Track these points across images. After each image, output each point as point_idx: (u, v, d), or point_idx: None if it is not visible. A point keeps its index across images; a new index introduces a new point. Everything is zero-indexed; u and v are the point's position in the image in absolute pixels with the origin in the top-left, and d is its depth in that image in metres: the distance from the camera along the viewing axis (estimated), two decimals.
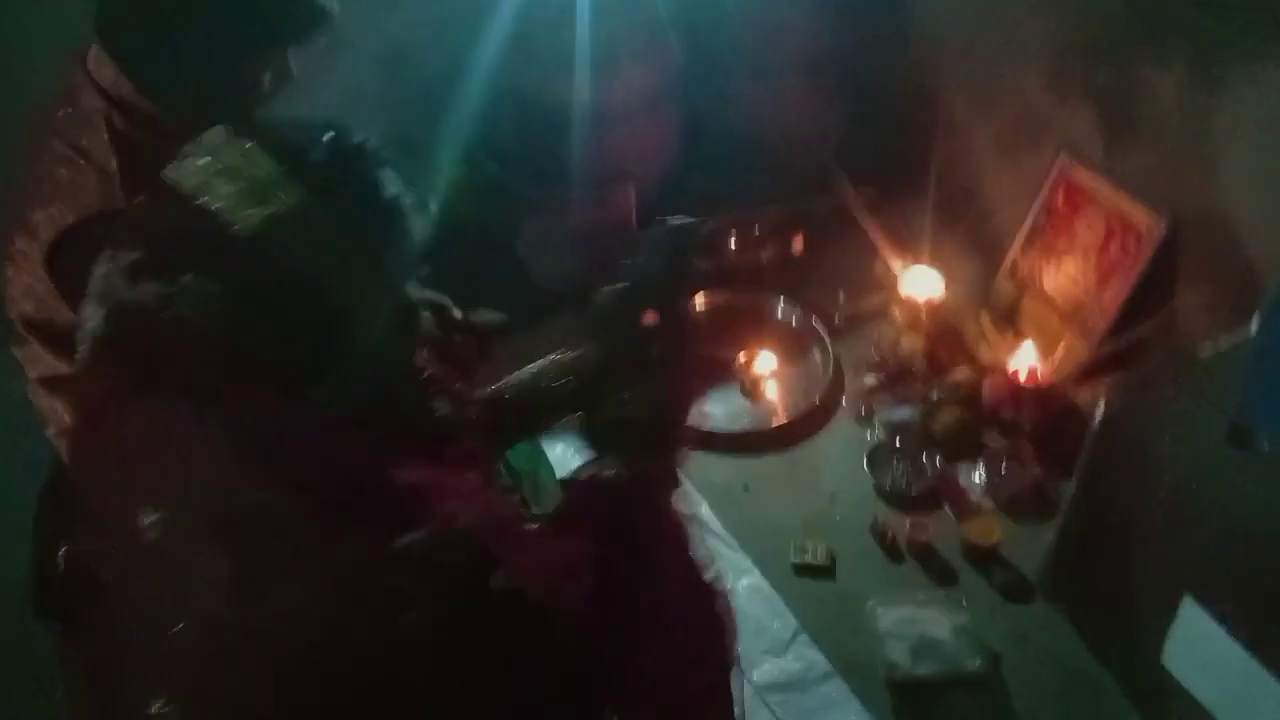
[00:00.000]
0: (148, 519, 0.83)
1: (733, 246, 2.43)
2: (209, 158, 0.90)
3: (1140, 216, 1.96)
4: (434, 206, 2.47)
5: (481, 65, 2.44)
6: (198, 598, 0.84)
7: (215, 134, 0.92)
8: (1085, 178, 2.07)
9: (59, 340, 1.45)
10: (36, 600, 1.62)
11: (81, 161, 1.37)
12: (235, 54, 1.42)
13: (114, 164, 1.37)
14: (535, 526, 1.02)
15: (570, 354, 1.35)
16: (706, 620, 1.10)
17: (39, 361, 1.48)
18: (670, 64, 2.44)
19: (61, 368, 1.48)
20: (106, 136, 1.38)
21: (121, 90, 1.40)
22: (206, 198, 0.88)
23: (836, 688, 1.70)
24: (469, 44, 2.41)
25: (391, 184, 0.96)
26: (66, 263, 1.37)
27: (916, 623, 1.73)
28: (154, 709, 0.84)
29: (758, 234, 2.44)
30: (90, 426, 0.93)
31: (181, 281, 0.84)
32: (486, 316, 1.86)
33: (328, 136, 0.93)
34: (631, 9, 2.29)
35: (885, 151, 2.56)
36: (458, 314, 1.71)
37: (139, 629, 0.89)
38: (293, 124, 0.97)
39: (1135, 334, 1.95)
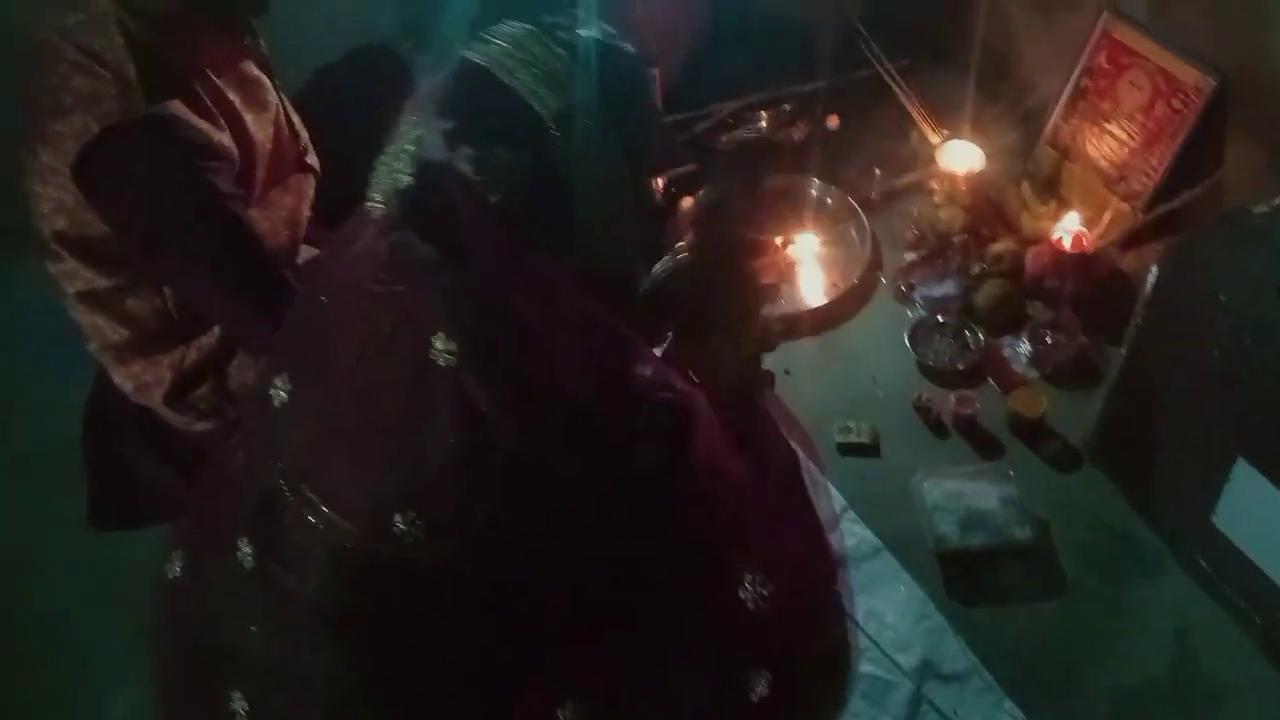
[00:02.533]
0: (440, 345, 0.96)
1: (763, 127, 2.37)
2: (509, 45, 1.03)
3: (1187, 75, 1.90)
4: (417, 92, 2.43)
5: None
6: (448, 430, 0.97)
7: (511, 25, 1.06)
8: (1129, 36, 1.99)
9: (95, 253, 1.45)
10: (95, 511, 1.67)
11: (98, 68, 1.34)
12: None
13: (131, 69, 1.34)
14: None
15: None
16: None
17: (76, 277, 1.48)
18: None
19: (99, 282, 1.48)
20: (120, 40, 1.35)
21: None
22: (511, 80, 1.00)
23: (886, 562, 1.72)
24: None
25: (653, 92, 1.07)
26: (96, 173, 1.36)
27: (964, 496, 1.74)
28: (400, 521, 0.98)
29: (788, 112, 2.38)
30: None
31: (496, 152, 0.98)
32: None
33: (608, 37, 1.08)
34: None
35: (917, 21, 2.47)
36: None
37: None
38: (577, 22, 1.08)
39: (1184, 198, 1.90)
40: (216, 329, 1.55)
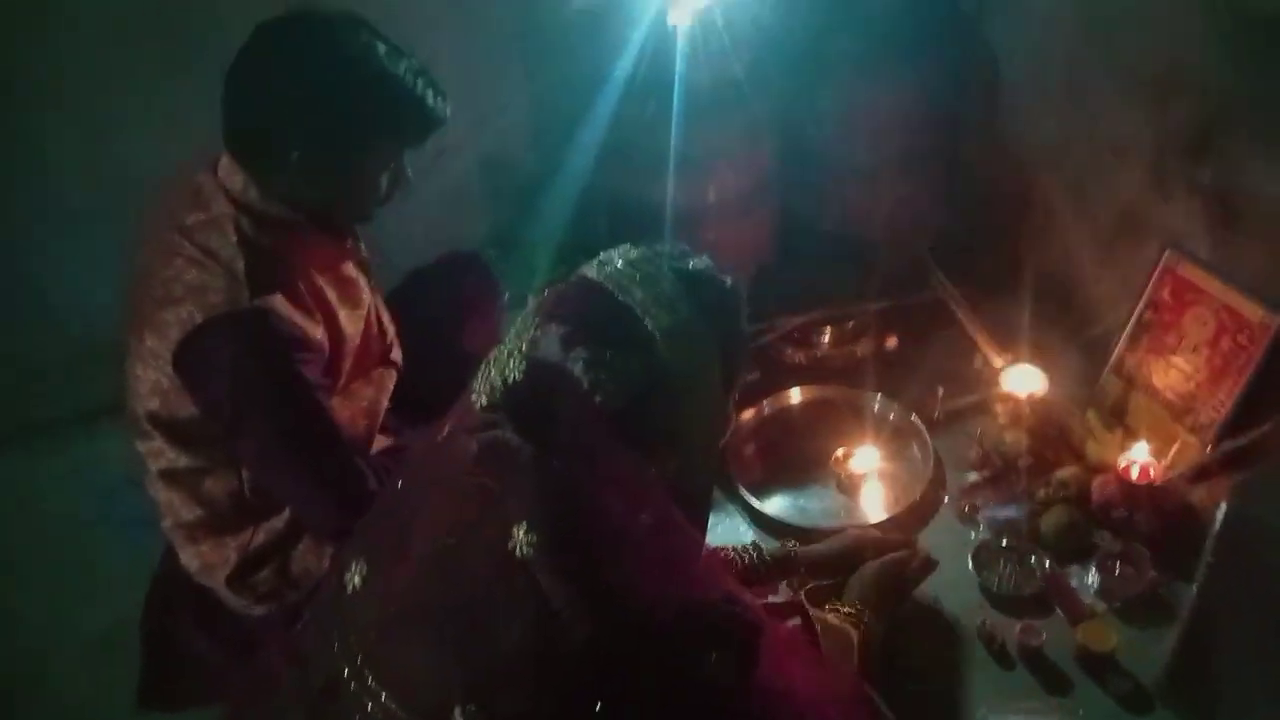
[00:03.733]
0: (521, 534, 1.00)
1: (827, 342, 2.43)
2: (625, 266, 1.13)
3: (1253, 313, 1.92)
4: (532, 302, 2.55)
5: (577, 168, 2.52)
6: (520, 624, 1.00)
7: (627, 250, 1.17)
8: (1193, 273, 2.03)
9: (182, 433, 1.52)
10: (144, 691, 1.67)
11: (210, 263, 1.45)
12: (354, 161, 1.50)
13: (241, 265, 1.44)
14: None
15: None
16: None
17: (161, 455, 1.55)
18: (766, 164, 2.49)
19: (182, 461, 1.54)
20: (235, 239, 1.46)
21: (250, 197, 1.48)
22: (626, 298, 1.10)
23: None
24: (566, 148, 2.51)
25: (746, 319, 1.23)
26: (193, 358, 1.44)
27: None
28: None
29: (852, 329, 2.44)
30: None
31: (607, 357, 1.05)
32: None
33: (709, 267, 1.19)
34: (729, 112, 2.35)
35: (982, 249, 2.56)
36: None
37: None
38: (686, 253, 1.20)
39: (1254, 432, 1.88)
40: (285, 513, 1.59)
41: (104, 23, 2.12)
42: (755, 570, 1.70)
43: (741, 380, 1.24)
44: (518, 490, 1.03)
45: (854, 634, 1.58)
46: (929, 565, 1.78)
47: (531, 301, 1.18)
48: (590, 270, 1.16)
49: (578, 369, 1.06)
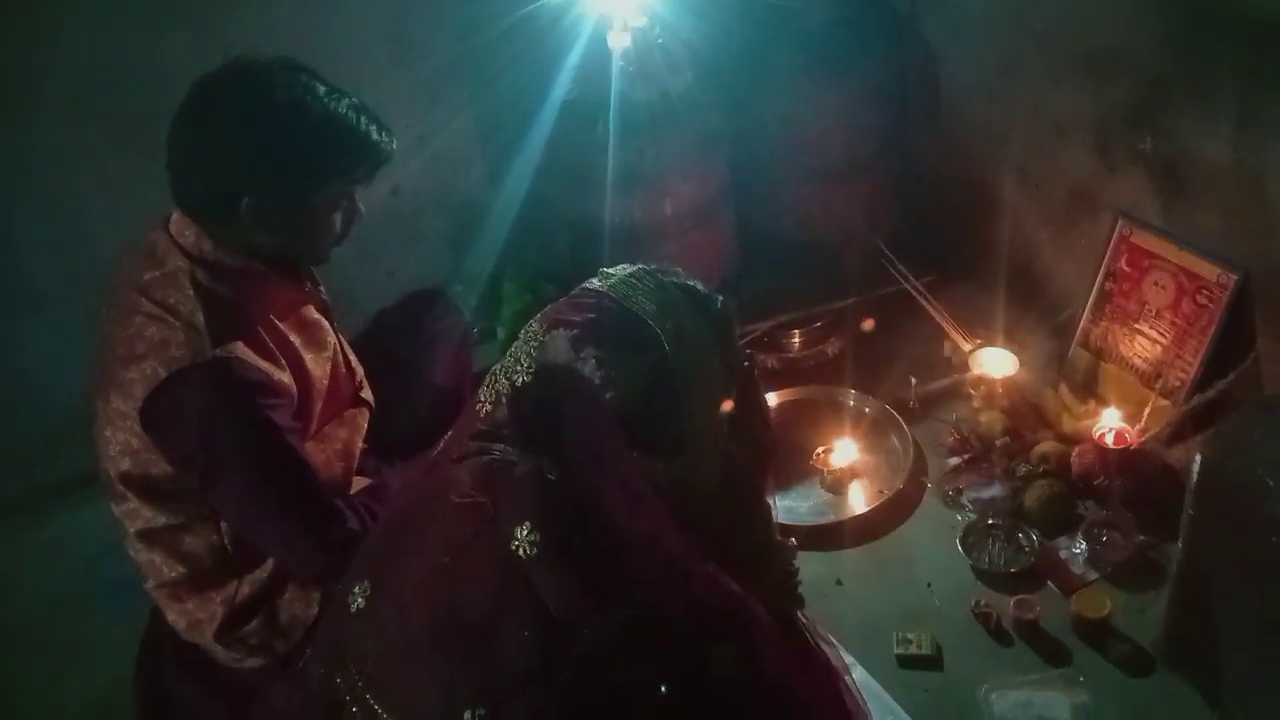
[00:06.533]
0: (523, 534, 1.01)
1: (797, 344, 2.45)
2: (625, 277, 1.18)
3: (1209, 271, 1.95)
4: (502, 333, 2.56)
5: (532, 195, 2.55)
6: (526, 625, 1.01)
7: (624, 266, 1.21)
8: (1147, 240, 2.07)
9: (156, 492, 1.51)
10: None
11: (169, 318, 1.43)
12: (306, 203, 1.50)
13: (200, 317, 1.44)
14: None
15: None
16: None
17: (137, 516, 1.53)
18: (719, 175, 2.52)
19: (159, 520, 1.53)
20: (192, 291, 1.45)
21: (203, 249, 1.48)
22: (631, 304, 1.14)
23: None
24: (519, 177, 2.53)
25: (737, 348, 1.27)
26: (160, 412, 1.43)
27: (1034, 706, 1.67)
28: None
29: (820, 329, 2.46)
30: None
31: (617, 356, 1.09)
32: None
33: (711, 293, 1.23)
34: (676, 128, 2.38)
35: (939, 240, 2.59)
36: None
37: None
38: (678, 271, 1.24)
39: (1221, 387, 1.91)
40: (269, 563, 1.58)
41: (60, 105, 2.14)
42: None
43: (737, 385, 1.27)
44: (515, 498, 1.05)
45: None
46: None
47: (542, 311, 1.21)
48: (593, 283, 1.19)
49: (588, 368, 1.08)
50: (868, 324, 2.43)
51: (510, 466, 1.08)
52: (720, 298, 1.25)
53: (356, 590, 1.12)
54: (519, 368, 1.12)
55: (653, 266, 1.23)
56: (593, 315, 1.14)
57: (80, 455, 1.62)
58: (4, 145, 2.11)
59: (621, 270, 1.20)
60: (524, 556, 1.00)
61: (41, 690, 2.01)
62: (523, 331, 1.17)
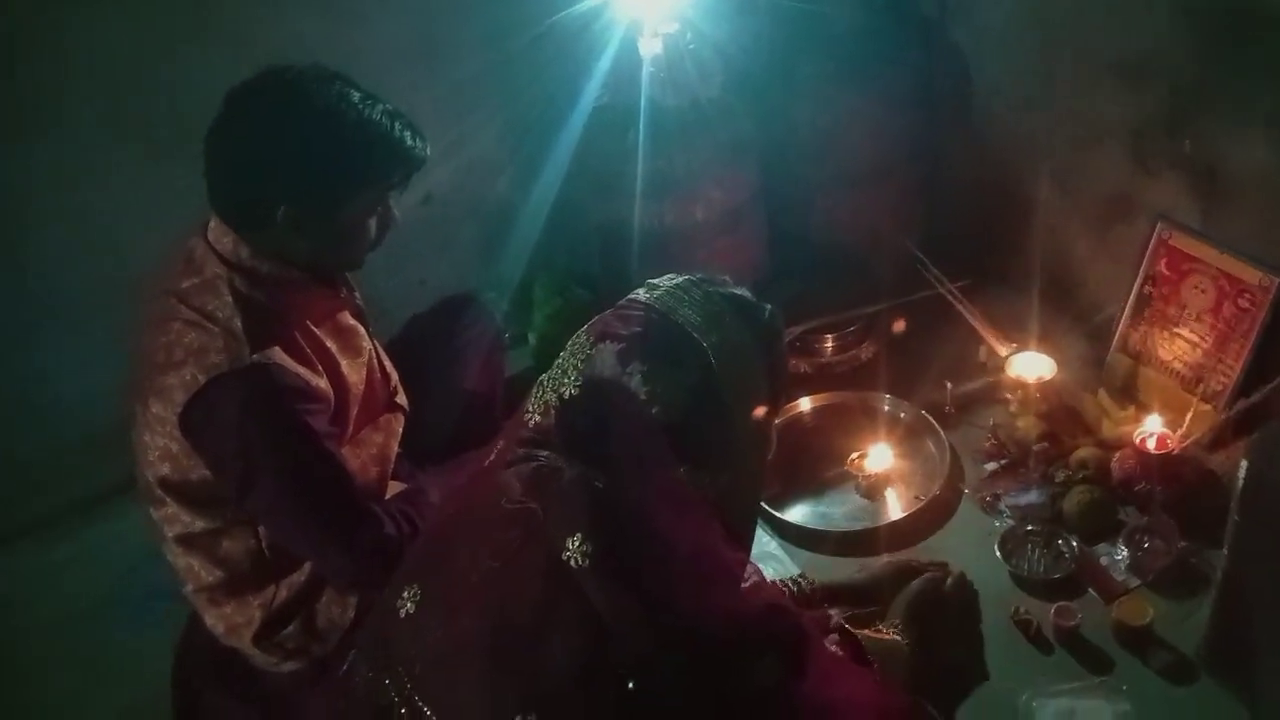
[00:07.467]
0: (574, 545, 1.02)
1: (830, 349, 2.43)
2: (672, 289, 1.18)
3: (1250, 275, 1.92)
4: (533, 338, 2.56)
5: (563, 201, 2.55)
6: (576, 633, 1.01)
7: (671, 276, 1.21)
8: (1186, 243, 2.04)
9: (194, 496, 1.52)
10: None
11: (208, 324, 1.45)
12: (341, 210, 1.51)
13: (238, 323, 1.45)
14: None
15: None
16: None
17: (176, 521, 1.55)
18: (750, 181, 2.51)
19: (197, 524, 1.54)
20: (230, 298, 1.47)
21: (241, 256, 1.49)
22: (677, 317, 1.14)
23: None
24: (550, 184, 2.53)
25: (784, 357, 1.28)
26: (199, 418, 1.45)
27: (1076, 714, 1.64)
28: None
29: (854, 334, 2.44)
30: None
31: (663, 370, 1.09)
32: None
33: (760, 303, 1.23)
34: (707, 133, 2.37)
35: (972, 243, 2.57)
36: None
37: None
38: (726, 280, 1.24)
39: (1263, 392, 1.87)
40: (306, 567, 1.59)
41: (90, 117, 2.15)
42: (802, 599, 1.71)
43: (784, 401, 1.27)
44: (566, 507, 1.05)
45: (905, 646, 1.60)
46: (963, 583, 1.79)
47: (589, 324, 1.21)
48: (639, 294, 1.20)
49: (634, 382, 1.09)
50: (899, 326, 2.40)
51: (558, 473, 1.08)
52: (768, 306, 1.24)
53: (405, 594, 1.12)
54: (567, 380, 1.12)
55: (699, 275, 1.22)
56: (639, 329, 1.14)
57: (113, 468, 1.63)
58: (38, 161, 2.12)
59: (668, 281, 1.20)
60: (575, 566, 1.00)
61: (75, 706, 2.01)
62: (570, 342, 1.18)
